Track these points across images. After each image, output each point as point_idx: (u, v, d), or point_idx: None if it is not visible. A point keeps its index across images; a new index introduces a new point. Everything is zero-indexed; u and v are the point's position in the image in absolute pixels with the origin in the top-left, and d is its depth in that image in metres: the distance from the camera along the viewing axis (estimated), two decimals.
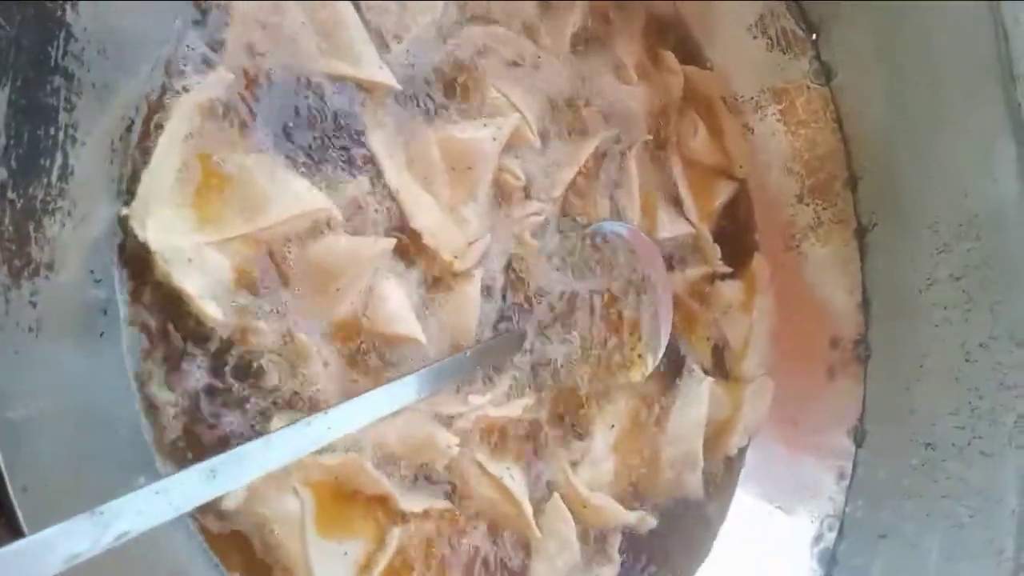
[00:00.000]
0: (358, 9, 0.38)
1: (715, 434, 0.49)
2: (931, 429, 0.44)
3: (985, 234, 0.41)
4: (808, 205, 0.51)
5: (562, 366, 0.45)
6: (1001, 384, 0.41)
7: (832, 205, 0.50)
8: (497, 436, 0.42)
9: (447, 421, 0.40)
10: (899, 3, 0.44)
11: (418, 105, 0.40)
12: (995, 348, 0.41)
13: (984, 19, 0.39)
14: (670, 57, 0.49)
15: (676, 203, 0.50)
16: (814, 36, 0.50)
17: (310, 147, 0.37)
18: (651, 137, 0.49)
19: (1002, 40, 0.38)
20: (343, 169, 0.38)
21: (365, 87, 0.39)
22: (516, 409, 0.42)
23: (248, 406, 0.36)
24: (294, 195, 0.36)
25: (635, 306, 0.47)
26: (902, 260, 0.47)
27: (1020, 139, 0.39)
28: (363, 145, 0.39)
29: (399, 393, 0.36)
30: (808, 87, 0.50)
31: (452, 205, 0.41)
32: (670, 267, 0.49)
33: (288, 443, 0.31)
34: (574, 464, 0.44)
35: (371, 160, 0.39)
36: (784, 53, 0.50)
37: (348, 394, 0.36)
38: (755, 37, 0.50)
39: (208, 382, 0.35)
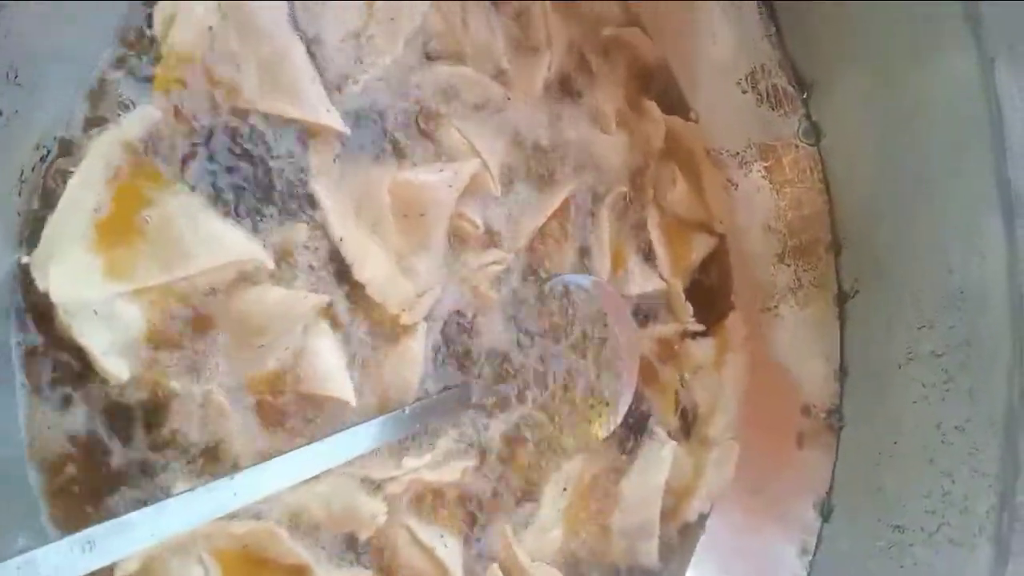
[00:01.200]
0: (310, 46, 0.36)
1: (675, 499, 0.48)
2: (901, 510, 0.42)
3: (969, 312, 0.39)
4: (789, 266, 0.49)
5: (514, 424, 0.43)
6: (975, 471, 0.39)
7: (813, 268, 0.49)
8: (431, 499, 0.40)
9: (376, 486, 0.38)
10: (891, 64, 0.42)
11: (369, 148, 0.38)
12: (972, 432, 0.39)
13: (975, 83, 0.37)
14: (653, 107, 0.47)
15: (649, 257, 0.48)
16: (805, 95, 0.49)
17: (243, 189, 0.36)
18: (627, 189, 0.47)
19: (994, 106, 0.36)
20: (279, 214, 0.36)
21: (310, 130, 0.37)
22: (454, 472, 0.40)
23: (152, 465, 0.34)
24: (220, 242, 0.34)
25: (597, 362, 0.46)
26: (882, 331, 0.45)
27: (1008, 215, 0.37)
28: (304, 189, 0.37)
29: (320, 456, 0.34)
30: (797, 146, 0.48)
31: (401, 254, 0.39)
32: (639, 323, 0.47)
33: (185, 510, 0.29)
34: (517, 530, 0.42)
35: (311, 204, 0.37)
36: (773, 109, 0.48)
37: (267, 457, 0.34)
38: (744, 92, 0.48)
39: (107, 439, 0.33)
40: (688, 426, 0.50)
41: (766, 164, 0.48)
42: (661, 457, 0.46)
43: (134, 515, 0.28)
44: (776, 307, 0.49)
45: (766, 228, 0.49)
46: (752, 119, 0.48)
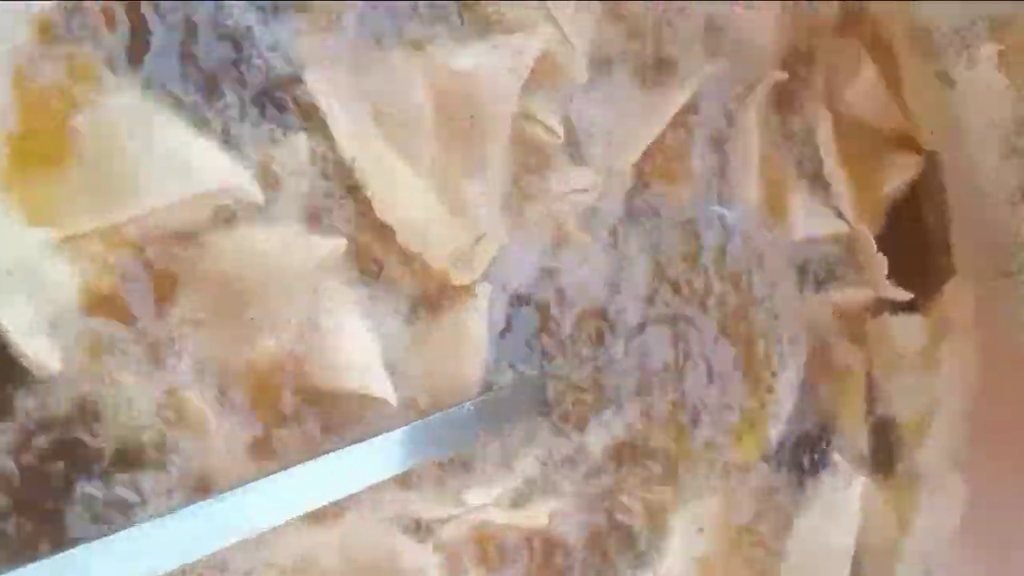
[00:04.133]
0: None
1: (870, 561, 0.48)
2: None
3: None
4: None
5: (621, 437, 0.44)
6: None
7: None
8: (503, 550, 0.41)
9: (423, 529, 0.39)
10: None
11: (390, 23, 0.39)
12: None
13: None
14: None
15: (820, 185, 0.49)
16: None
17: (212, 90, 0.36)
18: (785, 77, 0.47)
19: None
20: (266, 125, 0.37)
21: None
22: (539, 515, 0.40)
23: (98, 495, 0.34)
24: (186, 165, 0.34)
25: (743, 344, 0.47)
26: None
27: None
28: (301, 89, 0.37)
29: (337, 474, 0.35)
30: None
31: (446, 180, 0.39)
32: (809, 285, 0.48)
33: (145, 549, 0.30)
34: None
35: (313, 112, 0.37)
36: None
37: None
38: None
39: (35, 460, 0.33)
40: (887, 451, 0.50)
41: (1000, 48, 0.47)
42: (846, 497, 0.47)
43: (76, 551, 0.28)
44: (1020, 272, 0.49)
45: (1002, 147, 0.48)
46: None
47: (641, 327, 0.44)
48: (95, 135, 0.33)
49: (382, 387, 0.37)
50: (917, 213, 0.51)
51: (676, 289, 0.45)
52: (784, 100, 0.48)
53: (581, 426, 0.43)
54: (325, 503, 0.35)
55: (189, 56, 0.36)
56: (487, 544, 0.40)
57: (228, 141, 0.36)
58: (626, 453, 0.44)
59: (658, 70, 0.45)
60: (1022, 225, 0.49)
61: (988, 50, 0.47)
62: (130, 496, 0.34)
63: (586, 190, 0.42)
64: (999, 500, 0.49)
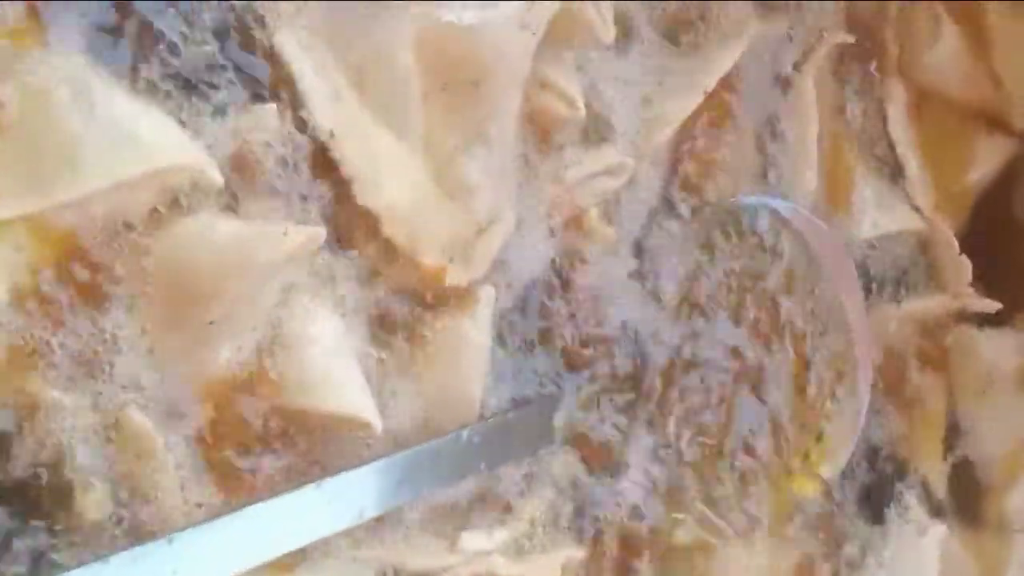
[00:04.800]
0: None
1: None
2: None
3: None
4: None
5: (648, 471, 0.44)
6: None
7: None
8: None
9: None
10: None
11: None
12: None
13: None
14: None
15: (893, 172, 0.49)
16: None
17: (161, 54, 0.35)
18: (851, 40, 0.46)
19: None
20: (227, 92, 0.36)
21: None
22: (551, 566, 0.40)
23: (23, 542, 0.33)
24: (133, 139, 0.33)
25: (805, 361, 0.47)
26: None
27: None
28: (268, 49, 0.36)
29: (317, 511, 0.35)
30: None
31: (442, 156, 0.39)
32: (873, 293, 0.48)
33: None
34: None
35: (283, 79, 0.36)
36: None
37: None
38: None
39: None
40: (971, 494, 0.50)
41: None
42: (918, 553, 0.47)
43: None
44: None
45: None
46: None
47: (677, 345, 0.44)
48: (25, 105, 0.32)
49: (364, 408, 0.36)
50: (1008, 207, 0.51)
51: (717, 298, 0.45)
52: (849, 68, 0.48)
53: (607, 462, 0.43)
54: (290, 549, 0.34)
55: (136, 13, 0.35)
56: None
57: (182, 112, 0.35)
58: (659, 490, 0.44)
59: (697, 29, 0.45)
60: None
61: None
62: (49, 540, 0.33)
63: (611, 174, 0.42)
64: None
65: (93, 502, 0.34)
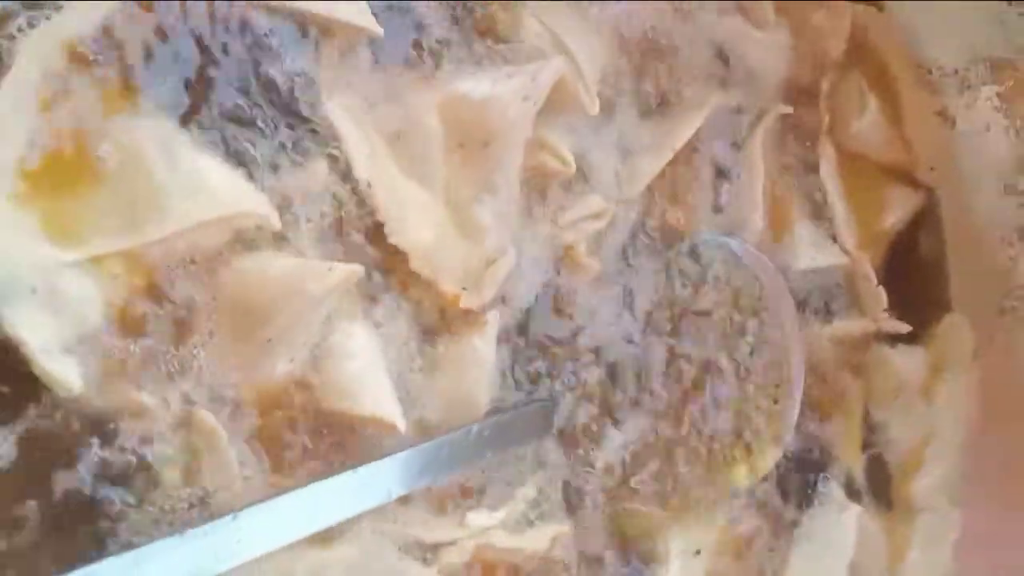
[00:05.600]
0: None
1: None
2: None
3: None
4: None
5: (621, 464, 0.46)
6: None
7: None
8: (506, 573, 0.42)
9: (427, 552, 0.40)
10: None
11: (404, 51, 0.40)
12: None
13: None
14: None
15: (823, 216, 0.51)
16: None
17: (232, 117, 0.37)
18: (790, 110, 0.49)
19: None
20: (284, 152, 0.38)
21: (323, 28, 0.38)
22: (542, 538, 0.42)
23: (110, 522, 0.35)
24: (208, 189, 0.35)
25: (746, 372, 0.48)
26: None
27: None
28: (318, 115, 0.38)
29: (350, 493, 0.36)
30: None
31: (458, 203, 0.41)
32: (810, 314, 0.50)
33: (145, 571, 0.31)
34: None
35: (331, 137, 0.38)
36: (1011, 2, 0.47)
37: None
38: None
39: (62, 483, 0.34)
40: (882, 482, 0.52)
41: (1000, 89, 0.49)
42: (840, 524, 0.49)
43: (100, 567, 0.30)
44: (1017, 308, 0.50)
45: (1000, 186, 0.50)
46: (979, 20, 0.48)
47: (645, 352, 0.46)
48: (121, 159, 0.34)
49: (391, 411, 0.38)
50: (916, 247, 0.53)
51: (681, 315, 0.47)
52: (789, 133, 0.50)
53: (586, 451, 0.45)
54: (331, 524, 0.36)
55: (213, 82, 0.37)
56: (490, 565, 0.42)
57: (248, 166, 0.37)
58: (627, 477, 0.46)
59: (666, 101, 0.46)
60: (1018, 263, 0.51)
61: (988, 91, 0.50)
62: (141, 513, 0.36)
63: (595, 217, 0.44)
64: (994, 534, 0.50)
65: (171, 484, 0.36)
